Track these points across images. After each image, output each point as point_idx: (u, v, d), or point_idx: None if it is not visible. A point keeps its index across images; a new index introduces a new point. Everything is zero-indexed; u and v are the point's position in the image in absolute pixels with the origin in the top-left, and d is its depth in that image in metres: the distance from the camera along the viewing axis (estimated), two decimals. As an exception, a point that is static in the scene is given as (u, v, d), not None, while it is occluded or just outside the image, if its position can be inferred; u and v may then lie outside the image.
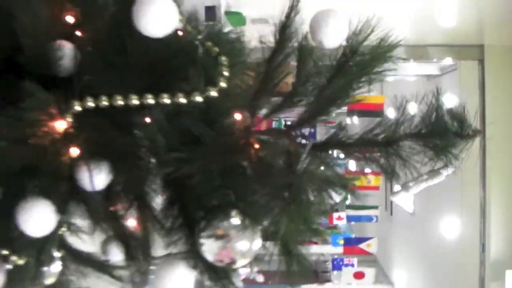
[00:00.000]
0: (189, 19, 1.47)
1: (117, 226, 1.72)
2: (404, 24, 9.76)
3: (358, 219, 14.65)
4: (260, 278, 11.56)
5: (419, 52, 10.58)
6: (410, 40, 10.13)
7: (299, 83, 1.63)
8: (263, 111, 1.67)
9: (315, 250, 14.72)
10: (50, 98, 1.37)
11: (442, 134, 1.58)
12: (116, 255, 2.04)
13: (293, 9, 1.62)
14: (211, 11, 6.67)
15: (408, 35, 9.99)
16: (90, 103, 1.40)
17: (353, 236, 16.57)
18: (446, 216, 11.74)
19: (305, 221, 1.52)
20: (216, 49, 1.40)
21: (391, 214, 16.80)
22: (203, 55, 1.40)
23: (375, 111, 10.18)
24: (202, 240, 1.45)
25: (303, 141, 1.62)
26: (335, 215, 13.74)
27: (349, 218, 14.52)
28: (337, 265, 14.52)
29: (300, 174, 1.49)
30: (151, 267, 1.80)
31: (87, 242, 2.04)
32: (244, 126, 1.53)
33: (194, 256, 1.54)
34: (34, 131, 1.36)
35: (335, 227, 16.41)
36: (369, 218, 14.47)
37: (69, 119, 1.40)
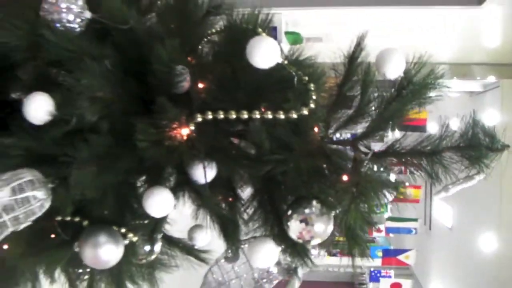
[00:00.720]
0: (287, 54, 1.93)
1: (217, 211, 2.16)
2: (449, 43, 10.03)
3: (397, 231, 14.70)
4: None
5: (462, 70, 10.75)
6: (454, 58, 10.38)
7: (363, 104, 2.06)
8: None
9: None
10: (180, 112, 1.83)
11: (476, 147, 1.98)
12: (201, 241, 2.47)
13: (359, 45, 2.04)
14: (273, 32, 7.06)
15: (452, 53, 10.26)
16: (209, 116, 1.86)
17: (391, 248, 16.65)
18: (484, 231, 11.81)
19: (366, 212, 1.96)
20: (306, 78, 1.85)
21: (430, 228, 16.87)
22: (297, 82, 1.84)
23: (418, 126, 10.36)
24: (288, 223, 1.89)
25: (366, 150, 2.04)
26: (375, 227, 13.76)
27: (388, 230, 14.58)
28: (375, 276, 14.60)
29: (363, 176, 1.93)
30: (242, 246, 2.25)
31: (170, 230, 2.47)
32: (322, 137, 1.98)
33: (279, 236, 1.99)
34: (168, 136, 1.82)
35: (373, 240, 16.52)
36: (408, 230, 14.50)
37: (192, 127, 1.86)
